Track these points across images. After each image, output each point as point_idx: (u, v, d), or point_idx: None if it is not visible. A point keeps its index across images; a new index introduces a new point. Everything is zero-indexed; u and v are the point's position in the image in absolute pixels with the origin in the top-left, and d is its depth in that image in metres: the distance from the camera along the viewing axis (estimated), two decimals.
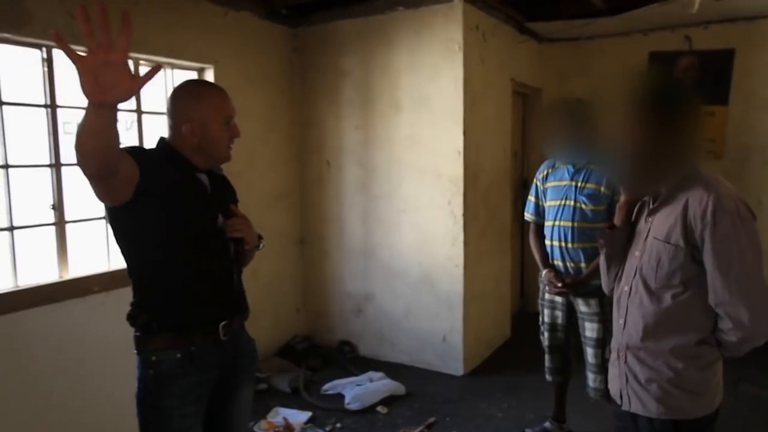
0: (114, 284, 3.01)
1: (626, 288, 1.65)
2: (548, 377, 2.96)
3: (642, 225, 1.66)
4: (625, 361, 1.64)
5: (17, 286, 2.72)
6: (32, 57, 2.76)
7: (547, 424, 3.06)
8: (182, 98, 1.67)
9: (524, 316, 5.12)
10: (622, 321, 1.66)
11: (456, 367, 3.87)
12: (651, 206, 1.62)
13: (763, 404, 3.41)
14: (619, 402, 1.67)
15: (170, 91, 3.39)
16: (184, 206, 1.62)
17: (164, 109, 3.33)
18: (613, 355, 1.72)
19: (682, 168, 1.54)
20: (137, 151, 1.55)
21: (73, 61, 1.09)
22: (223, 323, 1.69)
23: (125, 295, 3.00)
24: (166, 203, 1.56)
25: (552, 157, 2.86)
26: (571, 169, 2.72)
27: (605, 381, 2.64)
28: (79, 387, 2.78)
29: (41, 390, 2.64)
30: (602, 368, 2.68)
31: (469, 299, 3.83)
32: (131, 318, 1.65)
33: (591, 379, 2.74)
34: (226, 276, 1.75)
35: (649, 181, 1.60)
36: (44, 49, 2.76)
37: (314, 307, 4.46)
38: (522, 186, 5.11)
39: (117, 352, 2.94)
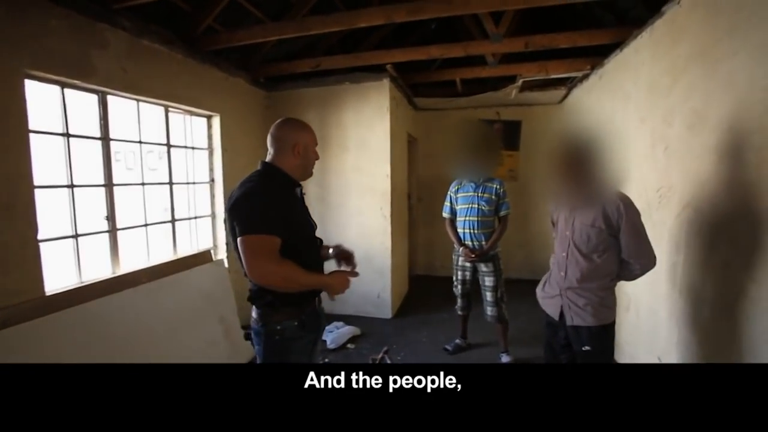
0: (156, 275, 2.59)
1: (563, 254, 1.70)
2: (459, 312, 3.06)
3: (566, 218, 1.71)
4: (567, 297, 1.69)
5: (82, 282, 2.22)
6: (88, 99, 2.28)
7: (458, 341, 3.18)
8: (295, 126, 1.50)
9: (412, 278, 5.32)
10: (563, 273, 1.70)
11: (386, 313, 3.91)
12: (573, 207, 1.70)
13: None
14: (557, 319, 1.73)
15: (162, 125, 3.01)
16: (294, 214, 1.46)
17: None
18: (554, 292, 1.75)
19: (597, 194, 1.63)
20: (280, 211, 1.38)
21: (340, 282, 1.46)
22: (317, 297, 1.57)
23: (166, 284, 2.63)
24: (284, 215, 1.40)
25: (460, 176, 2.96)
26: (474, 185, 2.87)
27: (497, 311, 2.82)
28: (142, 354, 2.34)
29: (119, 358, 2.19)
30: (495, 303, 2.84)
31: (393, 269, 3.92)
32: (255, 299, 1.46)
33: (489, 310, 2.87)
34: (318, 261, 1.58)
35: (574, 200, 1.69)
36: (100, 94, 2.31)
37: None
38: (407, 198, 5.34)
39: (169, 327, 2.54)
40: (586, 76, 3.69)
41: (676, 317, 2.08)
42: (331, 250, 1.65)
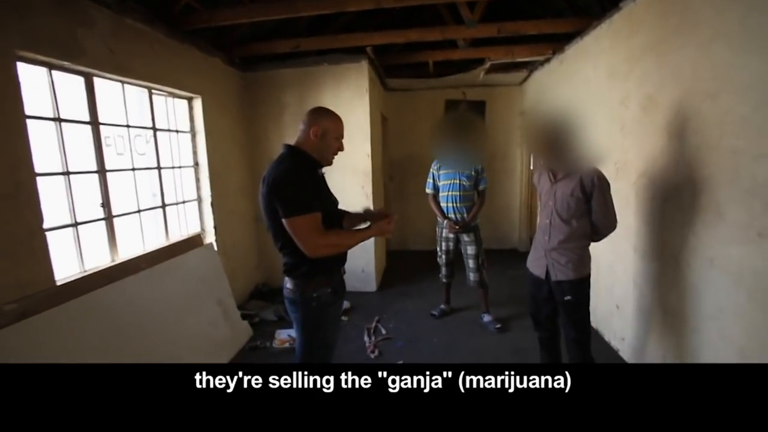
0: (154, 261, 2.61)
1: (546, 221, 1.91)
2: (443, 280, 3.29)
3: (548, 190, 1.91)
4: (551, 257, 1.90)
5: (85, 271, 2.20)
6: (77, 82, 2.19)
7: (442, 306, 3.41)
8: (320, 112, 1.59)
9: (388, 253, 5.49)
10: (546, 237, 1.90)
11: (371, 286, 4.09)
12: (554, 180, 1.90)
13: (517, 280, 4.25)
14: (543, 278, 1.95)
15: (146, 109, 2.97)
16: (322, 192, 1.56)
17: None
18: (540, 254, 1.95)
19: (575, 167, 1.85)
20: (314, 189, 1.49)
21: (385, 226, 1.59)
22: (343, 266, 1.69)
23: (164, 269, 2.65)
24: (316, 192, 1.50)
25: (441, 162, 3.11)
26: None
27: (479, 276, 3.08)
28: (153, 339, 2.38)
29: (127, 350, 2.21)
30: (477, 270, 3.08)
31: (375, 245, 4.11)
32: (290, 271, 1.56)
33: (472, 276, 3.10)
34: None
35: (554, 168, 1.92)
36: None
37: (267, 263, 4.25)
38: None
39: (174, 311, 2.57)
40: (547, 60, 4.01)
41: (631, 271, 2.49)
42: (362, 210, 1.79)
